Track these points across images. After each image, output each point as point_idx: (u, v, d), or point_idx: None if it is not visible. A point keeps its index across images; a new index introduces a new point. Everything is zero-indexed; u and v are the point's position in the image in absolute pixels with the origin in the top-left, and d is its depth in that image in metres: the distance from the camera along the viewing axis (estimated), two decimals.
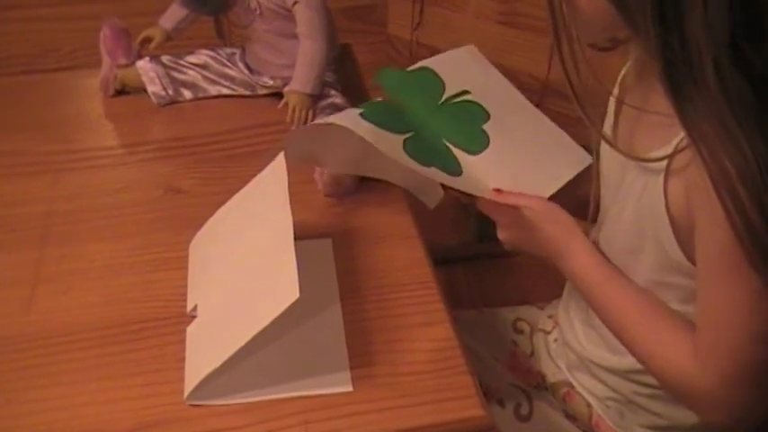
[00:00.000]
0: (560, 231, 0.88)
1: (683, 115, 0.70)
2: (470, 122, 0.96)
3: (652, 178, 0.78)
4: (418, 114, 0.94)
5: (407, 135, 0.90)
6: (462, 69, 1.00)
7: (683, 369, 0.77)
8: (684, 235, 0.77)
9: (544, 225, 0.88)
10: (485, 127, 0.95)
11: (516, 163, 0.93)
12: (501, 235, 0.92)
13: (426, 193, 1.01)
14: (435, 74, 0.98)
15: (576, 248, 0.87)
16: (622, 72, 0.89)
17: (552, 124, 0.99)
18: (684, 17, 0.66)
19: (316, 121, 0.96)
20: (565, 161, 0.94)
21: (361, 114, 0.90)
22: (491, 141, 0.94)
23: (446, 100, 0.96)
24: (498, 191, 0.89)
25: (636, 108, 0.83)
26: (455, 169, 0.91)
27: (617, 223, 0.87)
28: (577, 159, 0.94)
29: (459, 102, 0.96)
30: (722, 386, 0.74)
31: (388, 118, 0.91)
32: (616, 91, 0.88)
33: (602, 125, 0.88)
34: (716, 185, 0.68)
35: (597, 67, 0.77)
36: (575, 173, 0.93)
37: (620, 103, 0.87)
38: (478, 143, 0.94)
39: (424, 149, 0.90)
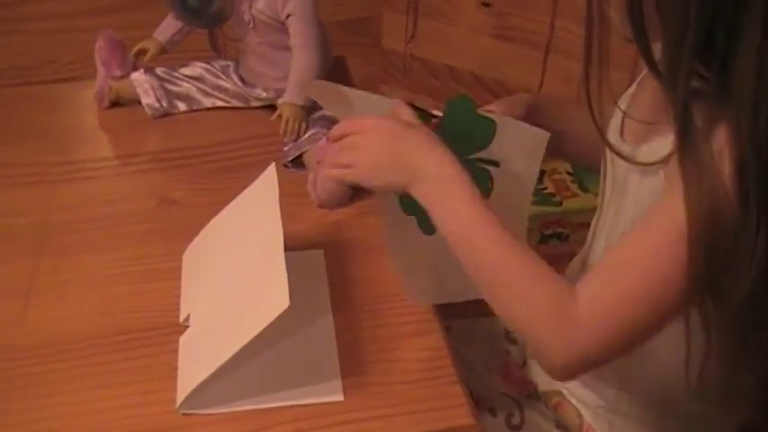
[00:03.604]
0: (429, 151, 0.81)
1: (683, 151, 0.68)
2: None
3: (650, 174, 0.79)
4: None
5: None
6: (514, 144, 0.96)
7: (554, 303, 0.74)
8: None
9: (411, 138, 0.81)
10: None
11: None
12: (358, 139, 0.83)
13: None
14: (493, 133, 0.94)
15: (451, 173, 0.79)
16: (644, 71, 0.89)
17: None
18: (737, 48, 0.64)
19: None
20: None
21: None
22: None
23: (474, 158, 0.94)
24: None
25: (644, 123, 0.82)
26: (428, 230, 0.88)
27: (619, 213, 0.87)
28: None
29: (480, 166, 0.94)
30: (590, 327, 0.72)
31: None
32: (633, 89, 0.89)
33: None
34: (690, 221, 0.67)
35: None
36: None
37: (635, 95, 0.87)
38: None
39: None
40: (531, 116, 0.99)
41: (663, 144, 0.76)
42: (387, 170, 0.82)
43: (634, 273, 0.72)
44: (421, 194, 0.80)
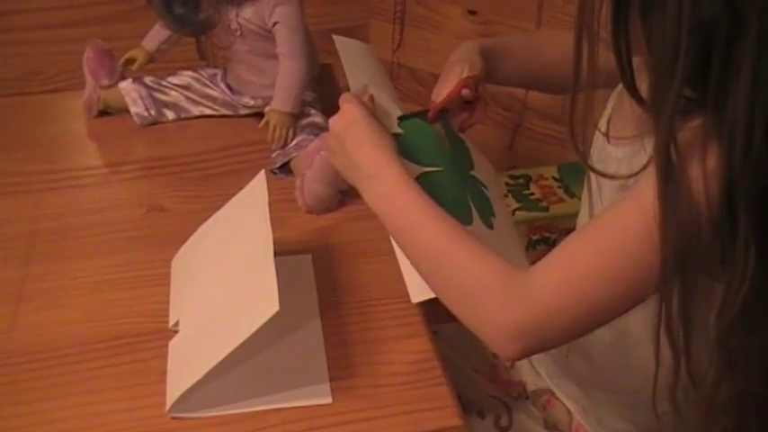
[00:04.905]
0: (382, 151, 0.84)
1: (663, 171, 0.67)
2: (485, 208, 0.95)
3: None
4: (455, 164, 0.94)
5: (430, 169, 0.89)
6: (484, 168, 1.00)
7: (500, 273, 0.74)
8: None
9: (375, 131, 0.85)
10: (492, 220, 0.95)
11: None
12: (333, 120, 0.89)
13: None
14: (470, 152, 0.98)
15: (394, 172, 0.82)
16: None
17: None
18: (731, 72, 0.64)
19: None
20: None
21: (398, 122, 0.91)
22: (493, 234, 0.94)
23: (472, 176, 0.96)
24: None
25: (627, 138, 0.83)
26: (465, 219, 0.89)
27: None
28: None
29: (480, 186, 0.96)
30: (544, 298, 0.72)
31: (422, 141, 0.91)
32: (620, 87, 0.89)
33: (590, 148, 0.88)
34: (663, 232, 0.67)
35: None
36: None
37: (621, 95, 0.87)
38: (487, 225, 0.94)
39: (442, 189, 0.87)
40: (490, 65, 1.01)
41: (642, 154, 0.76)
42: (338, 156, 0.87)
43: (597, 249, 0.71)
44: (371, 191, 0.84)
